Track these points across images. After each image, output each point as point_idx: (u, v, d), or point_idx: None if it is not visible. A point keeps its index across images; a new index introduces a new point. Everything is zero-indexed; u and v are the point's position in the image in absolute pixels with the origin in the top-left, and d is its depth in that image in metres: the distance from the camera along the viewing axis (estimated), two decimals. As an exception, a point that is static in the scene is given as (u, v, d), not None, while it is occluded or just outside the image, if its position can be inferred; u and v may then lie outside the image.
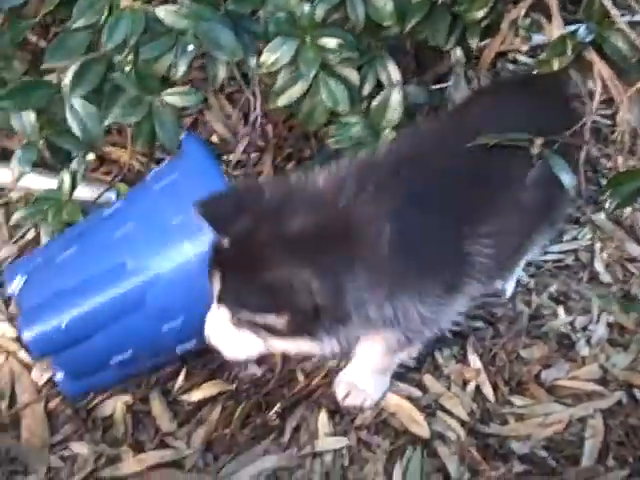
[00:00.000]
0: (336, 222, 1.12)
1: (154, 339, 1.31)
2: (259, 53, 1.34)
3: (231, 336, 1.18)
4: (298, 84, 1.36)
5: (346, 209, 1.12)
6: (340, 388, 1.43)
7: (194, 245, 1.27)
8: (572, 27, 1.39)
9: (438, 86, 1.70)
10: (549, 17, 1.41)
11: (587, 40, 1.32)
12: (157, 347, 1.35)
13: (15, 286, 1.37)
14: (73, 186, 1.47)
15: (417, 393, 1.47)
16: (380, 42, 1.41)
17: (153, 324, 1.29)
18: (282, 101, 1.39)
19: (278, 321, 1.11)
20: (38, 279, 1.36)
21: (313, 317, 1.10)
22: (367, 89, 1.42)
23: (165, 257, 1.28)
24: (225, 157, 1.73)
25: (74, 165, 1.48)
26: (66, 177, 1.47)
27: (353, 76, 1.39)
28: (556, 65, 1.41)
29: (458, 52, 1.54)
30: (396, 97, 1.41)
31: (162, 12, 1.23)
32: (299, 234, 1.09)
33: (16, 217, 1.49)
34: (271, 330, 1.13)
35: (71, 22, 1.24)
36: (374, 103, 1.42)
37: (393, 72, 1.42)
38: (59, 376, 1.37)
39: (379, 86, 1.45)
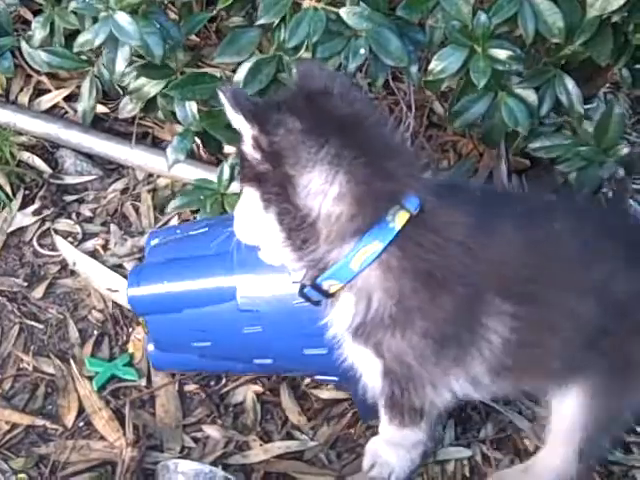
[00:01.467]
0: None
1: (233, 337, 1.32)
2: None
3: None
4: (477, 105, 1.39)
5: None
6: (366, 458, 1.39)
7: None
8: None
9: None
10: None
11: None
12: (235, 347, 1.35)
13: (151, 245, 1.41)
14: (231, 178, 1.51)
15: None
16: (556, 61, 1.41)
17: (236, 322, 1.29)
18: (461, 122, 1.41)
19: None
20: (167, 243, 1.40)
21: None
22: (545, 109, 1.43)
23: (263, 264, 1.19)
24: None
25: (235, 159, 1.51)
26: (226, 169, 1.51)
27: (532, 96, 1.40)
28: None
29: (625, 73, 1.53)
30: (618, 111, 1.42)
31: (345, 13, 1.25)
32: None
33: (174, 205, 1.54)
34: None
35: (257, 19, 1.28)
36: (596, 120, 1.44)
37: (574, 91, 1.42)
38: (150, 347, 1.40)
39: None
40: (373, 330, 1.11)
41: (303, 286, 1.13)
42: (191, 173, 1.69)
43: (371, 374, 1.20)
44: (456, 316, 1.10)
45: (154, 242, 1.40)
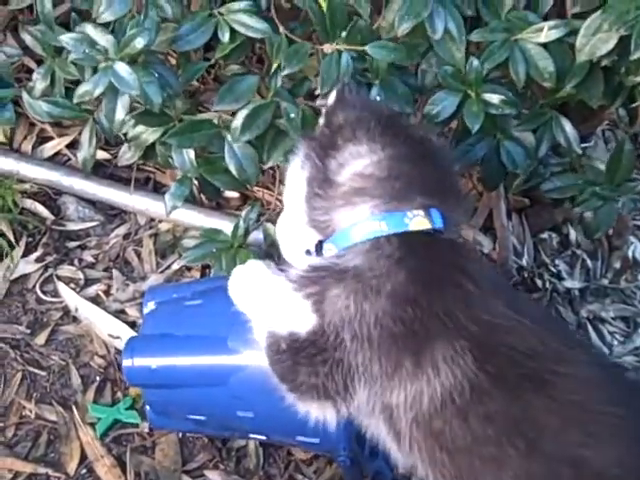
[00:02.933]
0: None
1: (226, 418, 1.34)
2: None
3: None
4: (475, 149, 1.40)
5: None
6: None
7: None
8: None
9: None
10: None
11: None
12: (229, 426, 1.37)
13: (147, 310, 1.43)
14: (246, 233, 1.53)
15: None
16: (552, 103, 1.43)
17: (228, 405, 1.30)
18: (460, 166, 1.40)
19: None
20: (162, 312, 1.41)
21: None
22: (543, 150, 1.44)
23: (259, 353, 1.21)
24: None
25: (249, 214, 1.54)
26: (242, 224, 1.53)
27: (529, 138, 1.42)
28: None
29: (622, 112, 1.55)
30: (629, 147, 1.44)
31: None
32: None
33: (188, 258, 1.54)
34: None
35: (284, 69, 1.31)
36: (610, 156, 1.45)
37: (570, 132, 1.43)
38: (147, 407, 1.40)
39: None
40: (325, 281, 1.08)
41: (308, 252, 1.14)
42: (193, 218, 1.71)
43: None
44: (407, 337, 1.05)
45: (151, 305, 1.41)
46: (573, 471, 1.02)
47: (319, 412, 1.13)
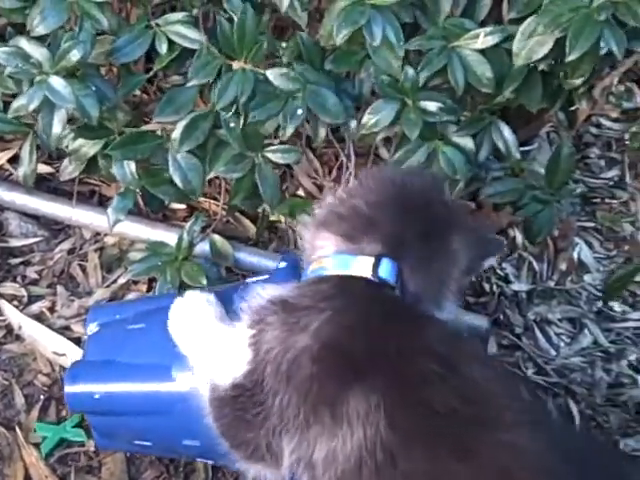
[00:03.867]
0: None
1: (173, 445, 1.32)
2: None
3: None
4: (415, 156, 1.40)
5: None
6: None
7: None
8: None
9: (522, 149, 1.71)
10: (640, 84, 1.42)
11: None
12: (175, 451, 1.36)
13: (90, 330, 1.39)
14: (190, 245, 1.53)
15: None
16: (492, 108, 1.44)
17: (174, 434, 1.29)
18: (401, 172, 1.42)
19: None
20: (105, 336, 1.38)
21: None
22: (483, 155, 1.45)
23: (203, 382, 1.21)
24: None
25: (193, 226, 1.54)
26: (185, 236, 1.52)
27: (469, 144, 1.42)
28: (647, 137, 1.43)
29: (561, 116, 1.56)
30: (567, 151, 1.45)
31: (272, 75, 1.28)
32: None
33: (134, 272, 1.54)
34: None
35: (188, 81, 1.29)
36: (548, 160, 1.47)
37: (509, 137, 1.44)
38: (93, 431, 1.38)
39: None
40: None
41: None
42: (139, 230, 1.69)
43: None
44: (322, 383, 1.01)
45: (92, 326, 1.38)
46: None
47: (260, 472, 1.11)
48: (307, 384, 1.00)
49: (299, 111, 1.29)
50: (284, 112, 1.30)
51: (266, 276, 1.32)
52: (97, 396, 1.29)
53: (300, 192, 1.84)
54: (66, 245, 1.72)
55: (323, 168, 1.86)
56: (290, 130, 1.30)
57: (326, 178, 1.76)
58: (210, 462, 1.38)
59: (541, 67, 1.36)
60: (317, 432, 0.99)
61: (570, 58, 1.23)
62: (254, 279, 1.39)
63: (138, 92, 1.67)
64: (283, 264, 1.32)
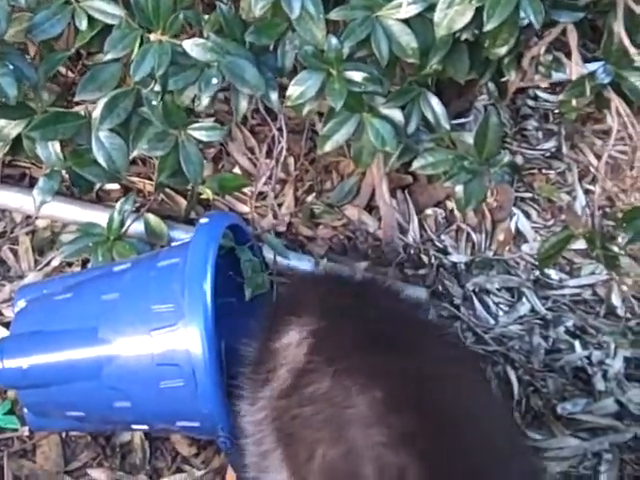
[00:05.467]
0: None
1: (105, 411, 1.31)
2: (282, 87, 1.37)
3: None
4: (344, 128, 1.39)
5: None
6: None
7: (158, 341, 1.24)
8: (592, 65, 1.41)
9: (457, 121, 1.71)
10: (570, 55, 1.42)
11: (606, 81, 1.34)
12: (109, 418, 1.35)
13: (18, 309, 1.39)
14: (122, 224, 1.51)
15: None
16: (421, 79, 1.43)
17: (105, 397, 1.28)
18: (329, 146, 1.41)
19: None
20: (32, 310, 1.38)
21: None
22: (412, 127, 1.45)
23: (130, 340, 1.26)
24: (247, 189, 1.76)
25: (124, 205, 1.52)
26: (116, 216, 1.50)
27: (398, 116, 1.42)
28: (575, 104, 1.43)
29: (491, 86, 1.56)
30: (495, 120, 1.43)
31: (188, 45, 1.26)
32: None
33: (65, 253, 1.52)
34: None
35: (104, 55, 1.27)
36: (473, 131, 1.45)
37: (438, 108, 1.44)
38: (25, 409, 1.37)
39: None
40: None
41: None
42: (71, 212, 1.67)
43: None
44: None
45: (21, 303, 1.38)
46: None
47: None
48: None
49: (214, 80, 1.27)
50: (199, 81, 1.28)
51: (188, 239, 1.31)
52: (25, 366, 1.28)
53: (237, 170, 1.83)
54: (-4, 229, 1.70)
55: (259, 145, 1.85)
56: (206, 100, 1.29)
57: (262, 155, 1.75)
58: (144, 428, 1.37)
59: (465, 37, 1.35)
60: None
61: (488, 27, 1.22)
62: (177, 243, 1.39)
63: (64, 71, 1.64)
64: (205, 220, 1.32)
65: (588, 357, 1.63)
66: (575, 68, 1.42)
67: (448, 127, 1.47)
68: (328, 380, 1.07)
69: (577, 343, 1.65)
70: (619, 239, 1.39)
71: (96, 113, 1.35)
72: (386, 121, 1.42)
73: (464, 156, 1.46)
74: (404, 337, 1.15)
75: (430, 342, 1.19)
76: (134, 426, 1.37)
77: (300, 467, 1.07)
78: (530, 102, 2.09)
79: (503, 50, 1.39)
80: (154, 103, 1.34)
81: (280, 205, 1.78)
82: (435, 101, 1.46)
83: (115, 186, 1.75)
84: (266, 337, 1.22)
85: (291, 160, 1.83)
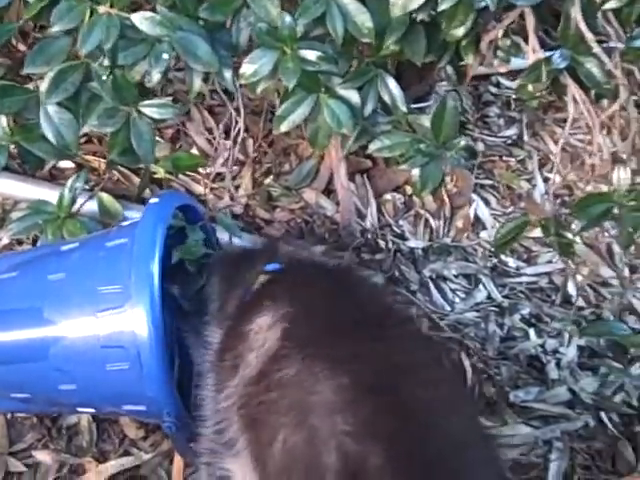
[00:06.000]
0: None
1: (51, 393, 1.28)
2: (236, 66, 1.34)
3: None
4: (300, 108, 1.37)
5: None
6: None
7: (104, 323, 1.22)
8: (550, 52, 1.40)
9: (418, 105, 1.70)
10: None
11: (562, 66, 1.33)
12: (55, 400, 1.31)
13: None
14: (73, 202, 1.48)
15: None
16: (378, 60, 1.42)
17: (51, 379, 1.25)
18: (285, 126, 1.39)
19: None
20: None
21: None
22: (369, 109, 1.43)
23: (76, 322, 1.23)
24: (204, 170, 1.73)
25: (75, 182, 1.49)
26: (67, 193, 1.47)
27: (354, 97, 1.40)
28: (532, 89, 1.42)
29: (449, 69, 1.55)
30: (451, 104, 1.42)
31: (137, 19, 1.23)
32: None
33: (12, 232, 1.49)
34: None
35: (51, 26, 1.24)
36: (431, 115, 1.44)
37: (395, 90, 1.43)
38: None
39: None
40: None
41: None
42: (22, 190, 1.64)
43: None
44: None
45: None
46: None
47: None
48: None
49: (164, 55, 1.24)
50: (149, 57, 1.25)
51: (138, 219, 1.28)
52: None
53: (194, 150, 1.80)
54: (-54, 207, 1.66)
55: (218, 126, 1.82)
56: (157, 76, 1.26)
57: (220, 135, 1.72)
58: (91, 411, 1.35)
59: (421, 17, 1.34)
60: None
61: (442, 7, 1.22)
62: (127, 222, 1.37)
63: (15, 43, 1.61)
64: (155, 200, 1.29)
65: (542, 345, 1.63)
66: (532, 53, 1.42)
67: (405, 110, 1.46)
68: (297, 365, 1.06)
69: (532, 331, 1.65)
70: (573, 226, 1.39)
71: (43, 87, 1.32)
72: (342, 102, 1.40)
73: (421, 139, 1.45)
74: (374, 325, 1.14)
75: (399, 331, 1.17)
76: (80, 409, 1.35)
77: (261, 451, 1.05)
78: (492, 89, 2.09)
79: (460, 32, 1.38)
80: (104, 78, 1.30)
81: (237, 187, 1.76)
82: (392, 83, 1.44)
83: (69, 164, 1.72)
84: (233, 322, 1.20)
85: (250, 142, 1.81)
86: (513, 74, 2.07)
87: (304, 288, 1.21)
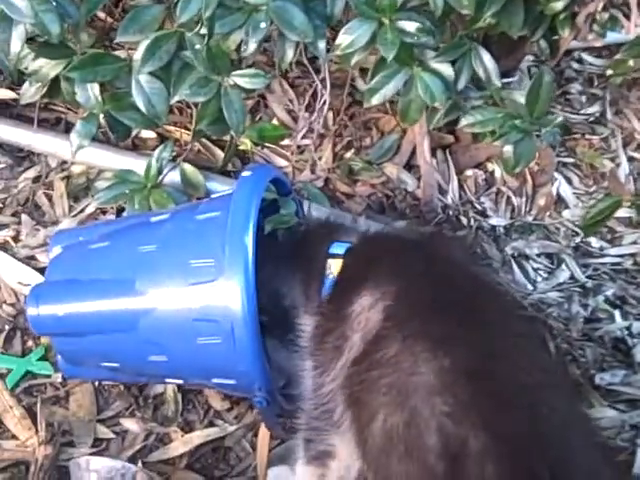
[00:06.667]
0: None
1: (140, 364, 1.29)
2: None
3: None
4: (392, 82, 1.35)
5: None
6: None
7: (196, 296, 1.21)
8: (652, 26, 1.35)
9: (503, 81, 1.66)
10: (628, 15, 1.37)
11: (666, 41, 1.29)
12: (144, 371, 1.32)
13: (53, 255, 1.36)
14: (159, 172, 1.48)
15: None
16: (472, 34, 1.39)
17: (141, 350, 1.25)
18: (377, 99, 1.37)
19: None
20: (67, 257, 1.35)
21: None
22: (462, 83, 1.40)
23: (167, 294, 1.23)
24: (285, 143, 1.72)
25: (162, 152, 1.50)
26: (154, 163, 1.48)
27: (448, 70, 1.37)
28: (632, 64, 1.38)
29: (543, 44, 1.51)
30: (548, 79, 1.38)
31: (239, -14, 1.22)
32: None
33: (100, 199, 1.49)
34: None
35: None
36: (526, 90, 1.40)
37: (489, 64, 1.40)
38: (59, 356, 1.35)
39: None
40: None
41: None
42: (107, 159, 1.65)
43: None
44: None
45: (56, 249, 1.35)
46: None
47: None
48: None
49: (262, 24, 1.23)
50: (246, 26, 1.24)
51: (230, 191, 1.27)
52: (61, 314, 1.26)
53: (275, 122, 1.79)
54: (31, 173, 1.67)
55: (298, 99, 1.81)
56: (253, 45, 1.24)
57: (301, 108, 1.71)
58: (179, 382, 1.35)
59: (520, -12, 1.30)
60: None
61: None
62: (217, 195, 1.36)
63: (103, 15, 1.60)
64: (247, 172, 1.28)
65: (628, 328, 1.59)
66: (634, 27, 1.37)
67: (499, 84, 1.42)
68: (397, 345, 1.05)
69: (617, 313, 1.61)
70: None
71: (137, 55, 1.31)
72: (436, 76, 1.37)
73: (515, 115, 1.41)
74: (476, 305, 1.12)
75: (501, 313, 1.16)
76: (168, 380, 1.35)
77: (362, 429, 1.05)
78: (575, 65, 2.04)
79: (559, 5, 1.34)
80: (197, 47, 1.29)
81: (318, 160, 1.74)
82: (487, 57, 1.41)
83: (151, 134, 1.71)
84: (333, 303, 1.19)
85: (330, 115, 1.78)
86: (597, 50, 2.03)
87: (398, 266, 1.19)
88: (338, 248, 1.27)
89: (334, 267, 1.25)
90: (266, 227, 1.34)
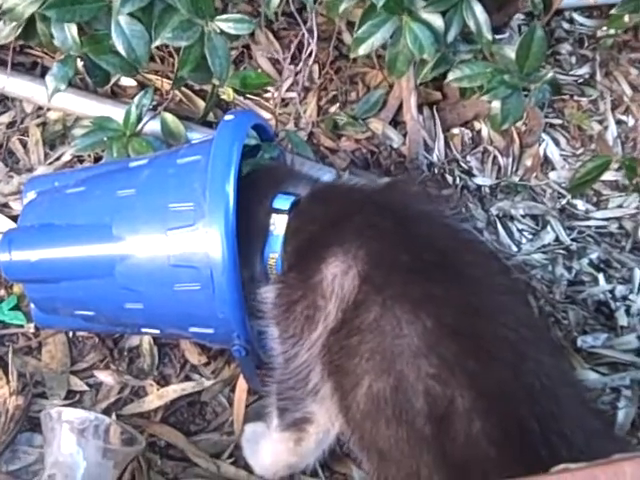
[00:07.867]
0: None
1: (116, 311, 1.25)
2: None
3: None
4: (380, 31, 1.31)
5: None
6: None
7: (174, 241, 1.17)
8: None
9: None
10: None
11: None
12: (119, 319, 1.29)
13: (27, 200, 1.32)
14: (139, 120, 1.43)
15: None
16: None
17: (116, 297, 1.22)
18: (363, 49, 1.33)
19: None
20: (42, 202, 1.30)
21: None
22: (452, 35, 1.36)
23: (145, 239, 1.19)
24: (268, 95, 1.67)
25: (142, 99, 1.45)
26: (134, 110, 1.43)
27: (438, 21, 1.33)
28: (627, 20, 1.35)
29: (536, -1, 1.48)
30: (540, 34, 1.34)
31: None
32: None
33: (77, 146, 1.44)
34: None
35: None
36: (516, 44, 1.36)
37: (481, 16, 1.36)
38: (32, 305, 1.32)
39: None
40: None
41: None
42: (84, 106, 1.60)
43: None
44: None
45: (31, 195, 1.31)
46: None
47: None
48: None
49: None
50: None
51: (210, 136, 1.23)
52: (34, 259, 1.22)
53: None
54: (5, 118, 1.62)
55: (283, 50, 1.76)
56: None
57: (286, 58, 1.66)
58: (156, 332, 1.31)
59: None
60: None
61: None
62: (198, 140, 1.32)
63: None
64: (229, 117, 1.24)
65: (611, 291, 1.58)
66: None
67: (490, 37, 1.38)
68: (377, 309, 1.01)
69: (601, 276, 1.60)
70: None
71: (118, -5, 1.26)
72: (425, 26, 1.34)
73: (504, 70, 1.38)
74: (455, 262, 1.08)
75: (482, 269, 1.12)
76: (144, 329, 1.32)
77: (345, 396, 1.03)
78: (565, 25, 2.00)
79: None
80: (181, -12, 1.24)
81: (302, 114, 1.69)
82: (479, 9, 1.37)
83: (131, 82, 1.66)
84: (296, 271, 1.13)
85: (316, 68, 1.74)
86: (588, 10, 2.00)
87: (363, 225, 1.12)
88: (282, 202, 1.22)
89: (279, 224, 1.20)
90: (244, 169, 1.29)
